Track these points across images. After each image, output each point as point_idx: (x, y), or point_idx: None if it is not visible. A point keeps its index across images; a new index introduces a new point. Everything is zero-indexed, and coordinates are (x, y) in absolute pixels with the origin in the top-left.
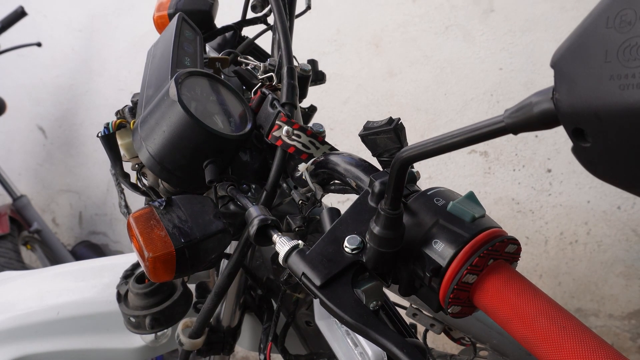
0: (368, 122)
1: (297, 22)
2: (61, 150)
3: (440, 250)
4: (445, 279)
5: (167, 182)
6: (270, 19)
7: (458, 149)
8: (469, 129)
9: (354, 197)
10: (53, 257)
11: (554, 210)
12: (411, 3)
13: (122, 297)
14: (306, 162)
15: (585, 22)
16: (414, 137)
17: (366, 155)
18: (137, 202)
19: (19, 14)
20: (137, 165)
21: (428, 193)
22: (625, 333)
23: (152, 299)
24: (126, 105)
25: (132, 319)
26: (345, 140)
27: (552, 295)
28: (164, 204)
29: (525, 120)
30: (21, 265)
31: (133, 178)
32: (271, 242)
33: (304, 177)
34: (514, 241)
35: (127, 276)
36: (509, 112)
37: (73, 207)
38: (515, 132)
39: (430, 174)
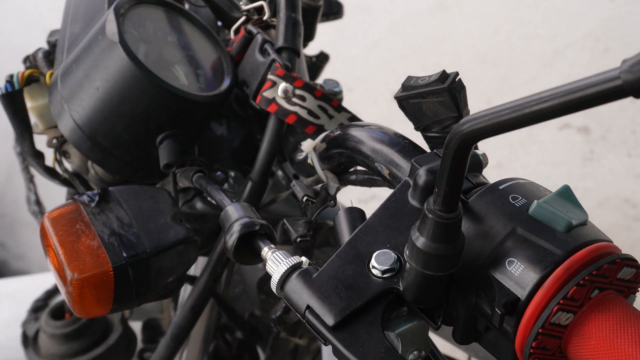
0: (409, 78)
1: None
2: None
3: (518, 275)
4: (526, 318)
5: (101, 167)
6: None
7: (547, 120)
8: (566, 90)
9: (384, 193)
10: None
11: None
12: None
13: (29, 341)
14: (314, 139)
15: None
16: (477, 104)
17: (405, 128)
18: (54, 195)
19: None
20: (55, 140)
21: (500, 187)
22: None
23: (77, 343)
24: (39, 49)
25: None
26: (373, 105)
27: None
28: (96, 198)
29: None
30: None
31: (49, 159)
32: (259, 260)
33: (309, 160)
34: (632, 262)
35: (37, 309)
36: (628, 63)
37: None
38: (637, 95)
39: (500, 160)
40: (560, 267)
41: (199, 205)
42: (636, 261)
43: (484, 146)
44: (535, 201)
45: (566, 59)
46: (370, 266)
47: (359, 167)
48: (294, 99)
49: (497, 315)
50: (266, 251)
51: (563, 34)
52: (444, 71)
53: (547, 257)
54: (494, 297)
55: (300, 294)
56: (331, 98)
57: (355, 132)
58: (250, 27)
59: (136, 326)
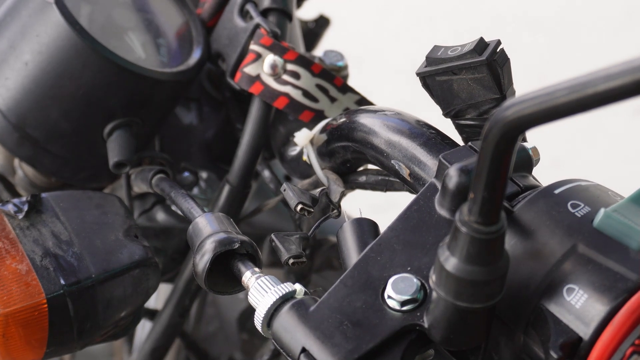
0: (436, 48)
1: None
2: None
3: (580, 307)
4: None
5: (31, 166)
6: None
7: (618, 102)
8: None
9: (404, 200)
10: None
11: None
12: None
13: None
14: (311, 129)
15: None
16: (525, 82)
17: (431, 114)
18: None
19: None
20: None
21: (556, 192)
22: None
23: None
24: None
25: None
26: (388, 84)
27: None
28: (25, 208)
29: None
30: None
31: None
32: (240, 288)
33: (305, 157)
34: None
35: None
36: None
37: None
38: None
39: (556, 156)
40: (636, 297)
41: (160, 216)
42: None
43: (535, 138)
44: (603, 210)
45: None
46: (386, 296)
47: (370, 166)
48: (285, 77)
49: None
50: (248, 276)
51: None
52: (481, 39)
53: (618, 283)
54: (548, 337)
55: (294, 333)
56: (333, 75)
57: (365, 120)
58: None
59: None
